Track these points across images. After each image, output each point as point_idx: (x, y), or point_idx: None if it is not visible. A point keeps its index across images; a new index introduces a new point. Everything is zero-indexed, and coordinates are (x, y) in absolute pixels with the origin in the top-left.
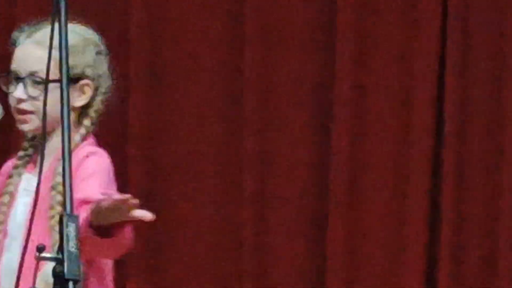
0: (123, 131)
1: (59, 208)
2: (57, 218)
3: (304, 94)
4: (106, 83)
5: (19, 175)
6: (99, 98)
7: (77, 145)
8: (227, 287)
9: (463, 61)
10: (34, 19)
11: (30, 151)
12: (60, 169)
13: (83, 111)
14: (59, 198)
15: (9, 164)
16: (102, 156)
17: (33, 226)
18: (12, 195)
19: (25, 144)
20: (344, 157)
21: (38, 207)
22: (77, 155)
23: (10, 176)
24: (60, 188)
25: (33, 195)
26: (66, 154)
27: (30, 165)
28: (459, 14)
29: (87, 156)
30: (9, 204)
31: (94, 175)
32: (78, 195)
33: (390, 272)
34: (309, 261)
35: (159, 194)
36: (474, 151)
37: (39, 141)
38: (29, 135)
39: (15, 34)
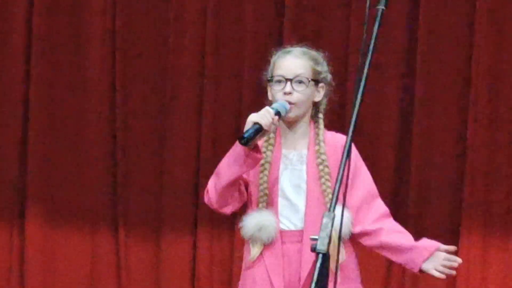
0: None
1: (328, 178)
2: (327, 184)
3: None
4: (329, 88)
5: (271, 151)
6: (325, 99)
7: (325, 132)
8: None
9: None
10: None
11: (273, 128)
12: (321, 158)
13: (315, 108)
14: (327, 170)
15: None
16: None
17: (309, 189)
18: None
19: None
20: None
21: (311, 176)
22: (333, 141)
23: (263, 152)
24: (326, 163)
25: (293, 165)
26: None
27: (279, 142)
28: None
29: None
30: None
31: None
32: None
33: None
34: None
35: None
36: None
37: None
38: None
39: (275, 52)
